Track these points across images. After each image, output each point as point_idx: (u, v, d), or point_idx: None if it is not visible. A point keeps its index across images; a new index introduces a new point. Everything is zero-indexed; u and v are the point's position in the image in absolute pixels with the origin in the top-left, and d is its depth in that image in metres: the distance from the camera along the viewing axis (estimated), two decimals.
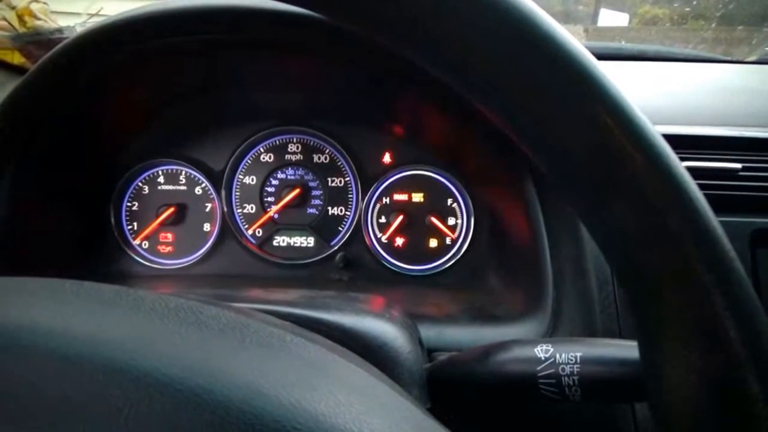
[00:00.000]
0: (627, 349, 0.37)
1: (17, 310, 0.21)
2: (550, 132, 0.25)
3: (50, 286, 0.23)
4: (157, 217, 0.78)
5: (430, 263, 0.79)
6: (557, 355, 0.38)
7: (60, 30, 0.95)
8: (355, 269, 0.79)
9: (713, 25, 1.30)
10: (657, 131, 0.24)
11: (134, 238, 0.80)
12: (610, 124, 0.24)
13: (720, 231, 0.24)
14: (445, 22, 0.23)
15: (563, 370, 0.37)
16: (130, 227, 0.80)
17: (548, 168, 0.26)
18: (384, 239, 0.80)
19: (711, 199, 0.60)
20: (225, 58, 0.65)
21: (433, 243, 0.79)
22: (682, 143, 0.63)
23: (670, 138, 0.63)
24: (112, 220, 0.78)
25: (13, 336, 0.19)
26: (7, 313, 0.20)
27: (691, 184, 0.24)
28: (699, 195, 0.25)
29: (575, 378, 0.37)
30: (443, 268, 0.79)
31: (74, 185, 0.72)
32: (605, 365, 0.36)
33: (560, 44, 0.24)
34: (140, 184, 0.79)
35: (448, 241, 0.79)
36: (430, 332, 0.56)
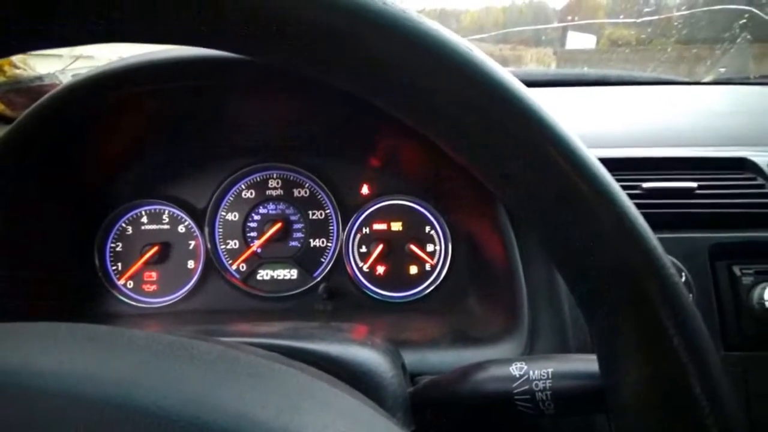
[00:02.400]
0: (595, 363, 0.39)
1: (15, 352, 0.22)
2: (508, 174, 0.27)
3: (46, 330, 0.25)
4: (141, 256, 0.79)
5: (411, 290, 0.81)
6: (530, 372, 0.40)
7: (40, 77, 0.97)
8: (338, 299, 0.81)
9: (674, 45, 1.37)
10: (597, 162, 0.27)
11: (119, 278, 0.81)
12: (558, 161, 0.26)
13: (665, 258, 0.26)
14: (400, 73, 0.26)
15: (536, 385, 0.39)
16: (114, 267, 0.81)
17: (506, 200, 0.29)
18: (365, 268, 0.82)
19: (671, 217, 0.64)
20: (204, 100, 0.68)
21: (414, 270, 0.82)
22: (642, 165, 0.67)
23: (632, 161, 0.68)
24: (97, 261, 0.79)
25: (13, 378, 0.20)
26: (6, 356, 0.22)
27: (636, 215, 0.27)
28: (645, 225, 0.27)
29: (548, 393, 0.39)
30: (424, 294, 0.81)
31: (58, 228, 0.74)
32: (575, 379, 0.39)
33: (513, 93, 0.26)
34: (124, 224, 0.81)
35: (427, 267, 0.82)
36: (413, 357, 0.58)
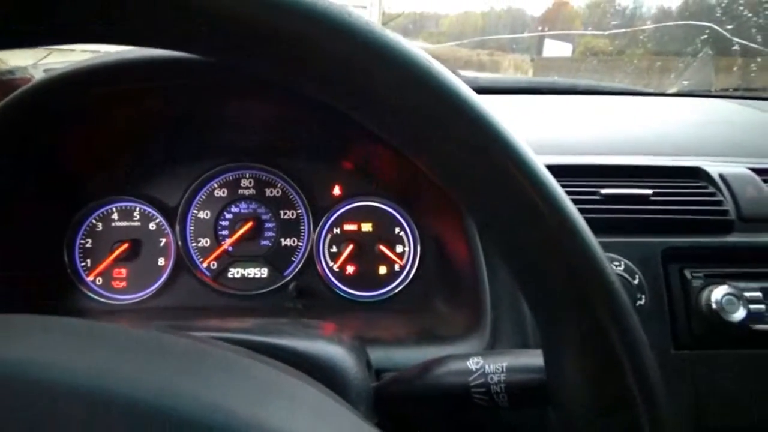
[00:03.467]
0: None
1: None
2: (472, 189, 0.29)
3: (20, 321, 0.26)
4: (111, 253, 0.79)
5: (380, 289, 0.83)
6: (486, 366, 0.42)
7: (11, 71, 0.96)
8: (308, 297, 0.82)
9: (642, 57, 1.41)
10: (546, 171, 0.28)
11: (88, 275, 0.80)
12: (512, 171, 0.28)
13: (606, 264, 0.28)
14: (367, 90, 0.27)
15: (491, 379, 0.42)
16: (83, 264, 0.80)
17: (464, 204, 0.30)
18: (336, 268, 0.83)
19: (627, 222, 0.67)
20: (179, 101, 0.68)
21: (383, 270, 0.83)
22: (601, 172, 0.70)
23: (592, 167, 0.70)
24: (66, 257, 0.79)
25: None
26: None
27: (579, 220, 0.28)
28: (586, 229, 0.28)
29: (502, 386, 0.41)
30: (392, 293, 0.82)
31: (28, 224, 0.73)
32: (527, 373, 0.41)
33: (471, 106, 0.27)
34: (94, 221, 0.81)
35: (396, 267, 0.83)
36: (379, 354, 0.60)
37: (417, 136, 0.28)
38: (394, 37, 0.27)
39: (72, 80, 0.56)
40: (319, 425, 0.24)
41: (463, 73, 1.25)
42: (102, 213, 0.81)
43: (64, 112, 0.63)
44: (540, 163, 0.28)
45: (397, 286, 0.83)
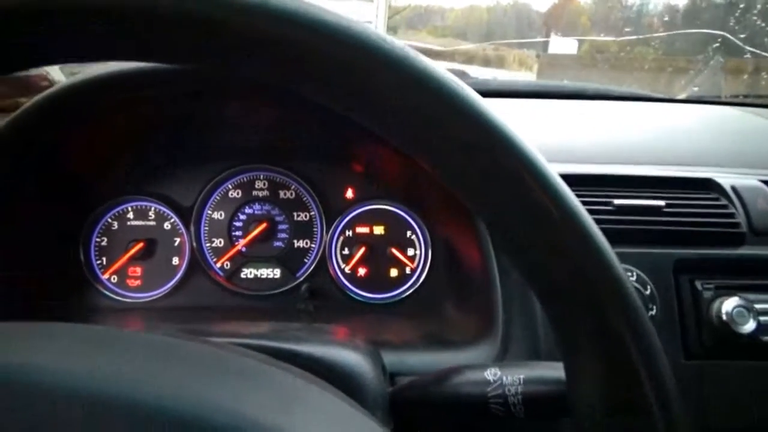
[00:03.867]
0: (562, 369, 0.42)
1: (15, 352, 0.23)
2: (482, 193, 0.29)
3: (43, 330, 0.26)
4: (126, 251, 0.80)
5: (391, 292, 0.84)
6: (504, 378, 0.44)
7: None
8: (320, 299, 0.83)
9: (651, 63, 1.41)
10: (563, 183, 0.28)
11: (103, 273, 0.81)
12: (529, 183, 0.28)
13: (622, 274, 0.28)
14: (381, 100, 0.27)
15: (509, 390, 0.43)
16: (99, 262, 0.81)
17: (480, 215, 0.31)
18: (347, 270, 0.84)
19: (639, 233, 0.68)
20: (196, 104, 0.69)
21: (394, 273, 0.84)
22: (614, 182, 0.71)
23: (605, 177, 0.71)
24: (81, 255, 0.80)
25: (13, 376, 0.21)
26: (5, 355, 0.23)
27: (598, 234, 0.29)
28: (604, 242, 0.29)
29: (519, 397, 0.42)
30: (403, 296, 0.83)
31: (44, 222, 0.74)
32: (544, 384, 0.42)
33: (486, 117, 0.27)
34: (109, 220, 0.81)
35: (407, 270, 0.84)
36: (392, 358, 0.61)
37: (417, 136, 0.28)
38: (392, 40, 0.27)
39: (97, 86, 0.56)
40: (338, 430, 0.25)
41: (472, 75, 1.25)
42: (118, 212, 0.82)
43: (84, 114, 0.64)
44: (549, 165, 0.28)
45: (408, 289, 0.84)
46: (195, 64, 0.28)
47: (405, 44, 0.28)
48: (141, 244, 0.81)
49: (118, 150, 0.78)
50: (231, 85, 0.63)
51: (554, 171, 0.28)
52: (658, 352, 0.28)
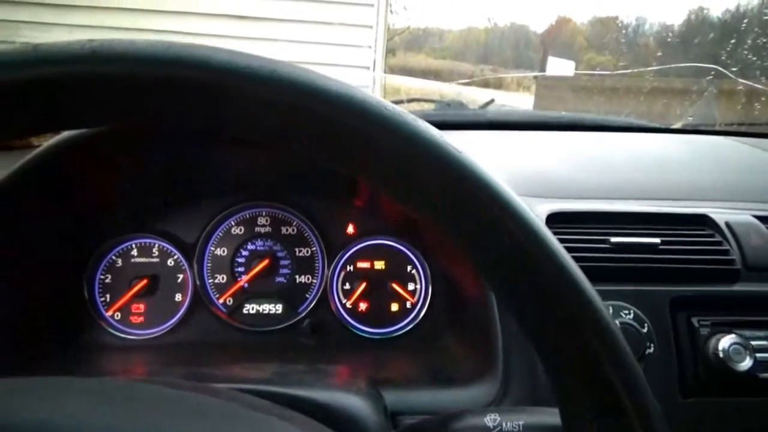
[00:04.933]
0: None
1: (29, 407, 0.24)
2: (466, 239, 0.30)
3: (57, 384, 0.27)
4: (130, 288, 0.81)
5: (392, 326, 0.84)
6: (503, 424, 0.44)
7: None
8: (321, 334, 0.84)
9: (646, 96, 1.44)
10: (541, 224, 0.29)
11: (107, 310, 0.82)
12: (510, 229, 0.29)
13: (615, 327, 0.29)
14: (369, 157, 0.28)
15: None
16: (102, 299, 0.82)
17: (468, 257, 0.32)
18: (348, 305, 0.85)
19: (636, 271, 0.68)
20: (198, 145, 0.71)
21: (395, 307, 0.85)
22: (611, 219, 0.72)
23: (601, 214, 0.72)
24: (86, 293, 0.81)
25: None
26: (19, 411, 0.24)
27: (587, 286, 0.30)
28: (586, 283, 0.29)
29: None
30: (404, 330, 0.84)
31: (50, 261, 0.75)
32: (543, 431, 0.43)
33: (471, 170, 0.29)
34: (113, 257, 0.83)
35: (408, 305, 0.85)
36: (392, 397, 0.61)
37: (409, 187, 0.29)
38: (393, 107, 0.28)
39: (103, 132, 0.58)
40: None
41: (471, 98, 1.27)
42: (122, 249, 0.83)
43: (92, 157, 0.65)
44: (545, 229, 0.29)
45: (408, 324, 0.84)
46: (187, 125, 0.29)
47: (403, 110, 0.29)
48: (144, 281, 0.82)
49: (122, 189, 0.79)
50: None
51: (548, 233, 0.29)
52: (651, 405, 0.29)
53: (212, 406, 0.29)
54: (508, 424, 0.44)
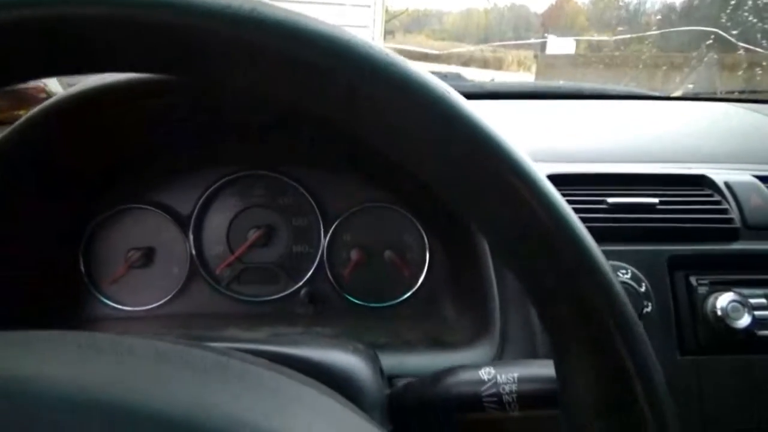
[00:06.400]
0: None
1: (24, 361, 0.24)
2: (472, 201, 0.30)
3: (46, 338, 0.27)
4: (126, 261, 0.81)
5: (390, 294, 0.84)
6: (498, 376, 0.44)
7: None
8: (319, 303, 0.84)
9: (646, 61, 1.42)
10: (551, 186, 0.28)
11: (103, 283, 0.82)
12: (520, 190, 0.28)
13: (612, 276, 0.29)
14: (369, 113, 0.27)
15: (503, 389, 0.43)
16: (98, 272, 0.82)
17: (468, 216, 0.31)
18: (346, 274, 0.85)
19: (634, 230, 0.68)
20: (189, 113, 0.70)
21: (393, 276, 0.85)
22: (608, 180, 0.71)
23: (599, 176, 0.72)
24: (82, 266, 0.81)
25: (19, 386, 0.21)
26: (15, 365, 0.23)
27: (585, 234, 0.29)
28: (592, 243, 0.29)
29: (514, 395, 0.43)
30: (402, 298, 0.84)
31: (44, 232, 0.75)
32: (539, 382, 0.43)
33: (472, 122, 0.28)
34: (109, 229, 0.82)
35: (406, 273, 0.85)
36: (390, 360, 0.61)
37: (413, 151, 0.28)
38: (379, 47, 0.27)
39: (94, 97, 0.57)
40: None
41: (469, 78, 1.26)
42: (117, 221, 0.82)
43: (82, 125, 0.65)
44: (537, 169, 0.28)
45: (406, 292, 0.84)
46: (181, 75, 0.28)
47: (392, 50, 0.28)
48: (140, 253, 0.81)
49: (115, 160, 0.78)
50: (226, 93, 0.63)
51: (542, 174, 0.28)
52: (647, 350, 0.29)
53: (197, 357, 0.28)
54: (503, 376, 0.44)
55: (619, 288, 0.29)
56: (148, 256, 0.82)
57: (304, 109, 0.28)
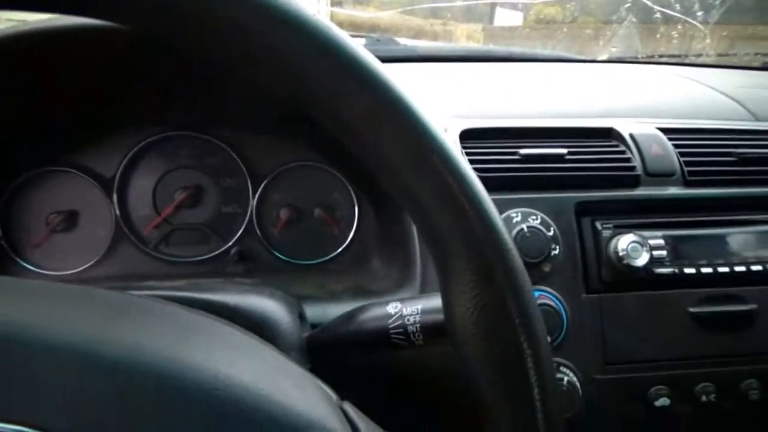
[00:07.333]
0: None
1: None
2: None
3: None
4: (47, 225, 0.79)
5: (320, 252, 0.86)
6: (403, 309, 0.47)
7: None
8: (250, 262, 0.85)
9: (569, 26, 1.47)
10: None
11: (25, 248, 0.80)
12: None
13: (494, 212, 0.31)
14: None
15: (408, 320, 0.46)
16: (19, 237, 0.80)
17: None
18: (276, 233, 0.86)
19: (544, 179, 0.72)
20: (113, 68, 0.68)
21: (322, 233, 0.86)
22: (521, 134, 0.74)
23: (512, 130, 0.74)
24: (1, 230, 0.79)
25: None
26: None
27: (473, 178, 0.31)
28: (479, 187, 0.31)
29: (418, 326, 0.46)
30: (332, 256, 0.86)
31: None
32: (440, 313, 0.45)
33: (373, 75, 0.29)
34: (29, 193, 0.80)
35: (335, 231, 0.87)
36: (315, 310, 0.63)
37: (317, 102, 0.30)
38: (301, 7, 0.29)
39: (17, 44, 0.55)
40: (239, 357, 0.27)
41: (402, 41, 1.27)
42: (37, 185, 0.80)
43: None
44: (433, 122, 0.30)
45: (336, 248, 0.86)
46: (118, 22, 0.29)
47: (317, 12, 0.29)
48: (63, 217, 0.80)
49: (34, 119, 0.76)
50: (156, 49, 0.62)
51: (436, 125, 0.30)
52: (525, 282, 0.31)
53: (103, 296, 0.29)
54: (408, 309, 0.47)
55: (501, 226, 0.31)
56: (70, 219, 0.81)
57: (209, 57, 0.29)
